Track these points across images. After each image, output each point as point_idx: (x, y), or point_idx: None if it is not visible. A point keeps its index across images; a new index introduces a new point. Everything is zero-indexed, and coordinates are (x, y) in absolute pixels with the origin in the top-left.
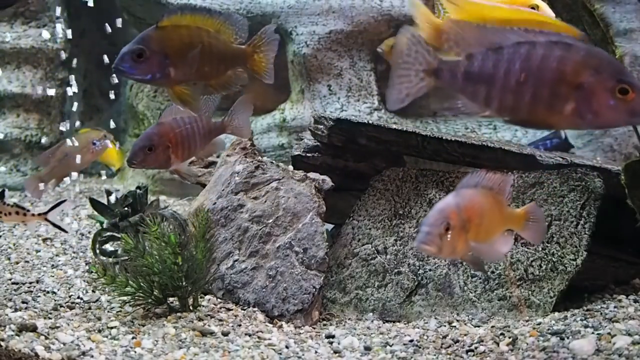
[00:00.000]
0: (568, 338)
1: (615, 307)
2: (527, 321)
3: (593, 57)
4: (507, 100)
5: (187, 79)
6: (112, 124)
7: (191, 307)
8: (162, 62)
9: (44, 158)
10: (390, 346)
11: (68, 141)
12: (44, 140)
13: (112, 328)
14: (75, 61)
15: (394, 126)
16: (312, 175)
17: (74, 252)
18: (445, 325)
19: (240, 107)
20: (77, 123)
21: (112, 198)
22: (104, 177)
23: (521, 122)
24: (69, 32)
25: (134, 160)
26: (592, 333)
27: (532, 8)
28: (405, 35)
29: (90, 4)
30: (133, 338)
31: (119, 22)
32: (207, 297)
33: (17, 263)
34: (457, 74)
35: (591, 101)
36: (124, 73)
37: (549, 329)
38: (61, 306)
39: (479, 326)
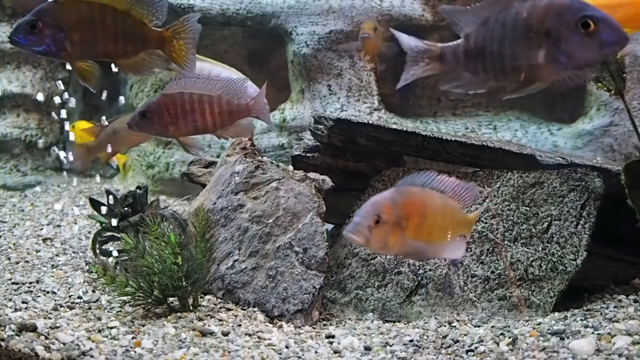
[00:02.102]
0: (568, 338)
1: (615, 307)
2: (527, 321)
3: (555, 2)
4: (499, 66)
5: (87, 56)
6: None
7: (191, 307)
8: (56, 35)
9: (94, 129)
10: (390, 346)
11: (121, 118)
12: (43, 140)
13: (112, 328)
14: None
15: (394, 126)
16: (312, 175)
17: (74, 252)
18: (445, 325)
19: (263, 91)
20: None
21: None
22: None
23: (517, 85)
24: None
25: (130, 123)
26: (592, 333)
27: None
28: (403, 39)
29: None
30: (133, 338)
31: None
32: (207, 297)
33: (17, 263)
34: (459, 55)
35: (560, 44)
36: (18, 44)
37: (549, 329)
38: (61, 306)
39: (479, 326)
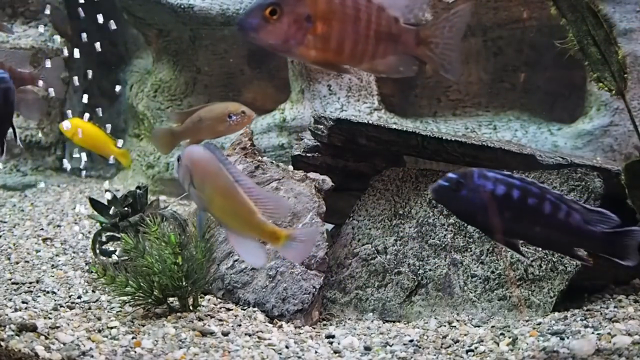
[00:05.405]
0: (568, 338)
1: (615, 307)
2: (527, 321)
3: None
4: None
5: None
6: (109, 126)
7: (191, 307)
8: None
9: (178, 115)
10: (390, 346)
11: (208, 107)
12: (43, 140)
13: (112, 328)
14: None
15: (394, 126)
16: (312, 175)
17: (74, 252)
18: (445, 325)
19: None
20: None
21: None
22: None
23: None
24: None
25: None
26: (592, 333)
27: None
28: None
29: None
30: (133, 338)
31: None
32: (207, 297)
33: (17, 263)
34: None
35: None
36: None
37: (549, 329)
38: (61, 306)
39: (479, 326)
